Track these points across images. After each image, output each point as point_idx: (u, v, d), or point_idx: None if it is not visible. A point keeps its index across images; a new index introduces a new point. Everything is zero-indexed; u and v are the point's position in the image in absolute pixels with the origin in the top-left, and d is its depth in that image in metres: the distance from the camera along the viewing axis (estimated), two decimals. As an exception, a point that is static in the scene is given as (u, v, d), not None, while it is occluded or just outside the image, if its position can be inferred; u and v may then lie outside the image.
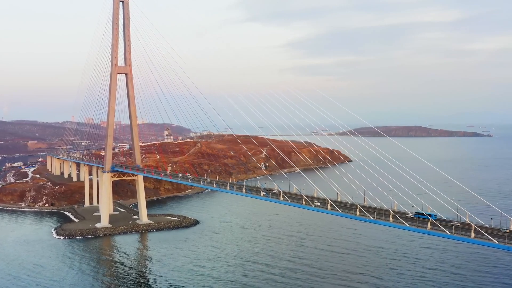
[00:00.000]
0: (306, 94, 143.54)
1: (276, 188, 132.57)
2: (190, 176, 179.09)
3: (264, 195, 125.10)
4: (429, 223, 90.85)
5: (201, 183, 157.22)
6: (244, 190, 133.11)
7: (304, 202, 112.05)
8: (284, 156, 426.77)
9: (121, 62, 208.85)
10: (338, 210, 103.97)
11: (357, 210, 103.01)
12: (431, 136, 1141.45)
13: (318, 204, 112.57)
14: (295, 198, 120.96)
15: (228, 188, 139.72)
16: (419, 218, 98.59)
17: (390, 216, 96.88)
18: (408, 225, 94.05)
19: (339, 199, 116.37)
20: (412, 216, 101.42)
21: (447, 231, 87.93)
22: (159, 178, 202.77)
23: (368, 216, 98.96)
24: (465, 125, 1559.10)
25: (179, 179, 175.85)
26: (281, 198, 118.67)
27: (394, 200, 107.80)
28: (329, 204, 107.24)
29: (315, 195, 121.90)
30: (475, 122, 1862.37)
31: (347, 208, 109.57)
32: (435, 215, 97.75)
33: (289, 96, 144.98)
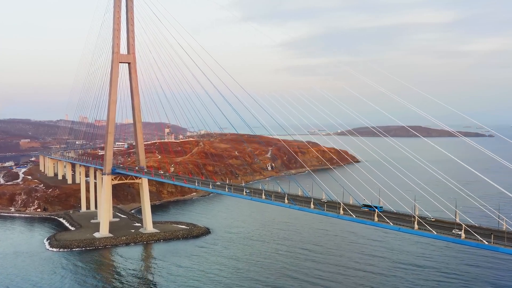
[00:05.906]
0: (304, 94, 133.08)
1: (324, 198, 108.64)
2: (211, 181, 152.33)
3: (315, 208, 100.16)
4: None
5: (226, 189, 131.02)
6: (286, 201, 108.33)
7: (377, 219, 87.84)
8: (281, 160, 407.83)
9: (123, 50, 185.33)
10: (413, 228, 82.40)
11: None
12: (431, 136, 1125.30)
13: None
14: (359, 212, 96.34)
15: (263, 197, 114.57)
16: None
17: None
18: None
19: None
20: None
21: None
22: (173, 183, 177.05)
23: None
24: (462, 126, 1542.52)
25: (196, 184, 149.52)
26: (342, 212, 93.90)
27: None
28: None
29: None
30: (472, 122, 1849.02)
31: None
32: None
33: (285, 96, 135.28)
